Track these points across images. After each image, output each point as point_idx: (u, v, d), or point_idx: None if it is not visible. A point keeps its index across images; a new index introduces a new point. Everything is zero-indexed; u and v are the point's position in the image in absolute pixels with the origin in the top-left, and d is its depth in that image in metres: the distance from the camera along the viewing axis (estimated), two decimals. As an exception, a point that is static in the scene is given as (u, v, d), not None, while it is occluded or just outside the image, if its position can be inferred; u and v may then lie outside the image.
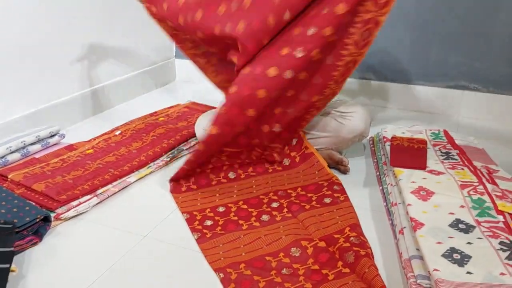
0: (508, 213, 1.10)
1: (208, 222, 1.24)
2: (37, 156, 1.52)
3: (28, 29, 1.69)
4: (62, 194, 1.28)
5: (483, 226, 1.06)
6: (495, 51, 1.91)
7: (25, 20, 1.67)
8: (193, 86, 2.44)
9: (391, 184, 1.33)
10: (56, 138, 1.63)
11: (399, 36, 2.02)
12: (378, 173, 1.49)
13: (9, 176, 1.36)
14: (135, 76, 2.30)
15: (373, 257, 1.07)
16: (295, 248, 1.12)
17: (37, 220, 1.14)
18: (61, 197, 1.26)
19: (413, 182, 1.25)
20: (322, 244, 1.13)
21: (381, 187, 1.41)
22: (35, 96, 1.76)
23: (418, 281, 0.94)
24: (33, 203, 1.22)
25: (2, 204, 1.17)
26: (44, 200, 1.26)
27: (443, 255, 0.95)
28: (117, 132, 1.73)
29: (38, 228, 1.16)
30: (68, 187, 1.32)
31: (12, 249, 0.99)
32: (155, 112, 1.99)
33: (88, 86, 2.01)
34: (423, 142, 1.46)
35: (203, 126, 1.49)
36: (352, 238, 1.13)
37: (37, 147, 1.57)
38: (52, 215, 1.21)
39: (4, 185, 1.33)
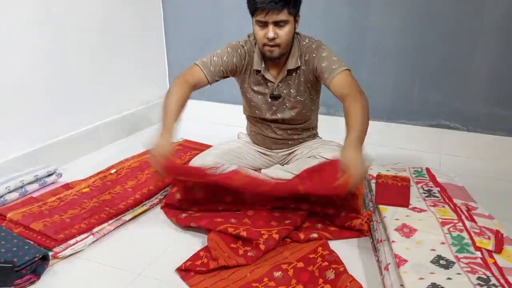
0: (485, 249, 1.17)
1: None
2: (34, 195, 1.56)
3: (26, 71, 1.76)
4: (59, 233, 1.31)
5: (462, 262, 1.12)
6: (474, 92, 2.02)
7: (24, 61, 1.75)
8: (185, 124, 2.51)
9: (377, 221, 1.39)
10: (53, 177, 1.68)
11: (383, 77, 2.14)
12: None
13: (8, 215, 1.39)
14: (129, 115, 2.37)
15: None
16: (277, 272, 1.20)
17: (36, 259, 1.17)
18: (58, 236, 1.30)
19: (397, 219, 1.32)
20: (300, 264, 1.23)
21: (367, 224, 1.46)
22: (33, 135, 1.82)
23: (402, 316, 0.99)
24: (32, 242, 1.26)
25: (1, 243, 1.20)
26: (42, 239, 1.30)
27: (425, 290, 1.01)
28: (113, 171, 1.78)
29: (36, 266, 1.19)
30: (65, 226, 1.36)
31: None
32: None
33: (84, 125, 2.08)
34: (407, 180, 1.53)
35: (198, 165, 1.55)
36: (326, 255, 1.25)
37: (35, 186, 1.61)
38: (50, 253, 1.24)
39: (3, 224, 1.36)
